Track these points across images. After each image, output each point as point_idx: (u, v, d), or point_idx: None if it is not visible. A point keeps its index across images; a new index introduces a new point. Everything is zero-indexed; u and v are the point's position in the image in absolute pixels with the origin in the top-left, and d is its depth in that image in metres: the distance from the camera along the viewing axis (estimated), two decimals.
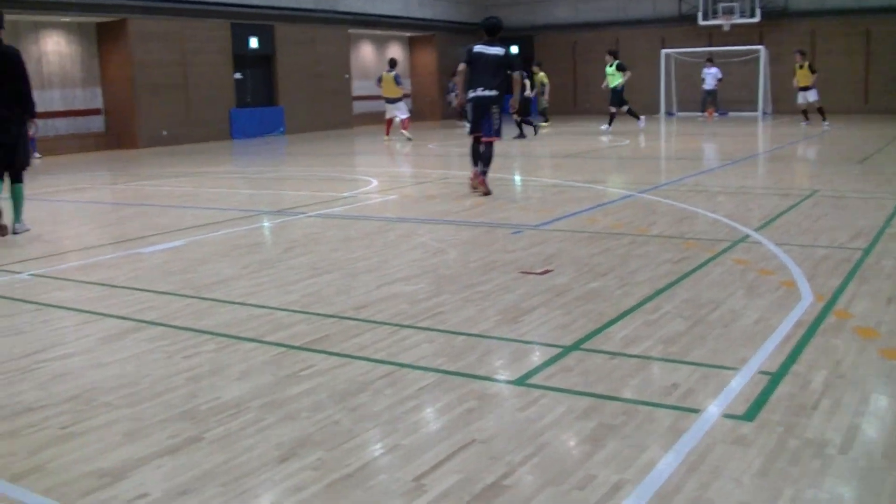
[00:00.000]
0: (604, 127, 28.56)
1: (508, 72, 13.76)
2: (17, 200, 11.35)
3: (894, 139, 23.17)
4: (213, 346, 6.05)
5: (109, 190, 17.45)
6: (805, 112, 29.87)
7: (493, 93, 13.52)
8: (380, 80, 27.44)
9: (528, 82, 27.96)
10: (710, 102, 35.32)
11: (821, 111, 29.51)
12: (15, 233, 11.28)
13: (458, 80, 14.38)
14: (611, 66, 28.51)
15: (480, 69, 13.56)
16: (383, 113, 29.19)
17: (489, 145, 13.72)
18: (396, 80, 27.31)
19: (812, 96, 29.24)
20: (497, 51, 13.61)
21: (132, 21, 28.13)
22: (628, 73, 28.49)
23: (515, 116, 25.40)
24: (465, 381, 5.16)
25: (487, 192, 13.64)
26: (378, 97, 29.72)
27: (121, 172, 20.98)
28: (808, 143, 22.74)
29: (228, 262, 9.01)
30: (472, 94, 13.65)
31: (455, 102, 27.86)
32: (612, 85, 28.40)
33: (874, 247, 8.78)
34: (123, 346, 6.17)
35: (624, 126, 30.20)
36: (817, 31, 37.23)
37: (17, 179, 11.32)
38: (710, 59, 35.59)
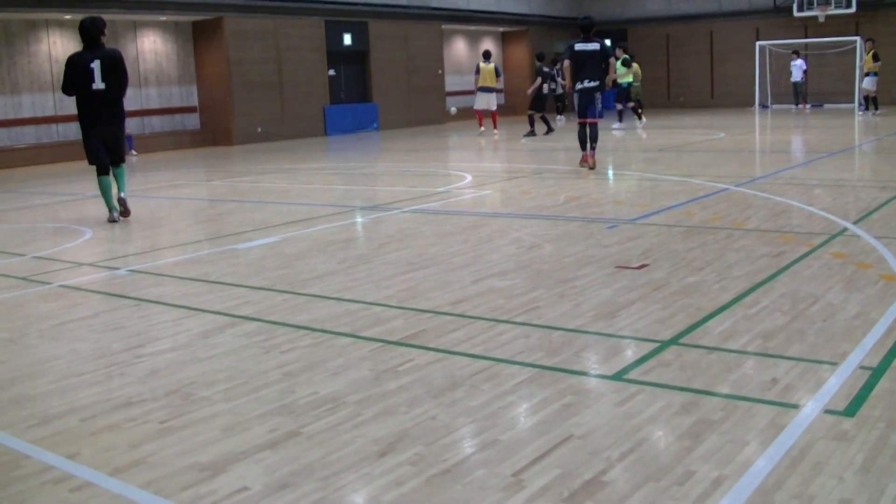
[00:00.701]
0: (639, 123, 28.29)
1: (603, 65, 16.46)
2: (119, 179, 12.33)
3: None
4: (310, 342, 6.10)
5: (205, 186, 17.68)
6: (873, 99, 30.62)
7: (595, 83, 16.32)
8: (477, 70, 27.36)
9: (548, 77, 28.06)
10: (802, 95, 34.98)
11: (866, 100, 30.65)
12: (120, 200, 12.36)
13: (566, 74, 16.75)
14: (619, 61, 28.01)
15: (582, 64, 16.29)
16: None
17: (594, 126, 16.52)
18: (497, 71, 27.34)
19: (867, 84, 30.22)
20: (594, 46, 16.33)
21: (228, 19, 28.45)
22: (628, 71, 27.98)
23: (529, 111, 26.48)
24: (562, 376, 5.14)
25: (593, 167, 16.34)
26: (471, 92, 29.84)
27: (216, 169, 21.24)
28: None
29: (324, 258, 9.08)
30: (578, 86, 16.41)
31: (562, 90, 28.76)
32: (621, 81, 27.80)
33: None
34: (221, 341, 6.24)
35: (719, 119, 29.86)
36: None
37: (118, 164, 12.32)
38: (797, 52, 35.19)
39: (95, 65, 11.83)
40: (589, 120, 16.43)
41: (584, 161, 16.57)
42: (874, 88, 30.34)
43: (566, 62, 16.62)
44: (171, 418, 4.77)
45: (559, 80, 29.99)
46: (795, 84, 34.77)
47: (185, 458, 4.25)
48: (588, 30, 16.51)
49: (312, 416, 4.68)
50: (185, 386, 5.28)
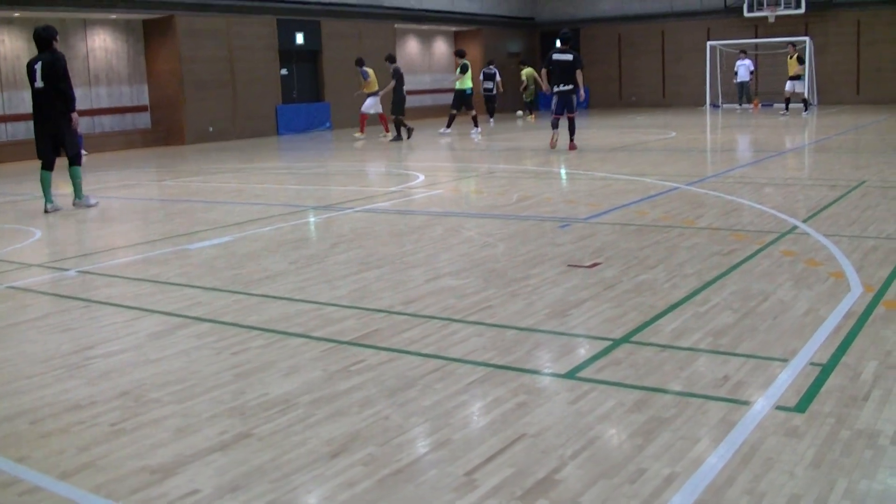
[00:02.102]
0: (442, 130, 27.87)
1: (577, 71, 19.65)
2: (73, 180, 13.47)
3: None
4: (262, 342, 6.07)
5: (157, 186, 17.56)
6: (787, 100, 31.02)
7: (570, 87, 19.76)
8: (367, 75, 27.12)
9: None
10: (746, 94, 35.37)
11: (804, 102, 31.08)
12: (84, 206, 13.45)
13: (544, 79, 20.53)
14: (458, 68, 27.69)
15: (559, 71, 19.76)
16: (430, 108, 29.38)
17: (572, 119, 20.21)
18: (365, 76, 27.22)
19: (799, 87, 30.65)
20: (568, 57, 19.77)
21: (179, 18, 28.25)
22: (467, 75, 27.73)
23: (391, 116, 26.10)
24: (514, 375, 5.15)
25: (574, 148, 20.20)
26: (423, 91, 29.75)
27: (168, 169, 21.09)
28: (855, 134, 22.53)
29: (276, 258, 9.04)
30: (556, 90, 19.90)
31: (495, 91, 30.71)
32: (460, 87, 27.51)
33: None
34: (172, 342, 6.20)
35: (654, 119, 30.02)
36: (863, 22, 36.99)
37: (72, 163, 13.28)
38: (744, 52, 35.69)
39: (38, 66, 12.95)
40: (568, 115, 20.04)
41: (553, 143, 20.36)
42: (802, 90, 30.97)
43: (544, 70, 20.33)
44: (122, 420, 4.72)
45: (498, 81, 30.56)
46: (742, 83, 35.09)
47: (135, 460, 4.21)
48: (565, 42, 20.23)
49: (264, 418, 4.66)
50: (135, 388, 5.23)
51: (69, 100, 12.93)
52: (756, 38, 38.23)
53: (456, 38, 42.54)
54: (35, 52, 13.33)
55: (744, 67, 34.93)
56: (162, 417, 4.74)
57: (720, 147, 21.53)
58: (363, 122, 27.90)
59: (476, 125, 27.75)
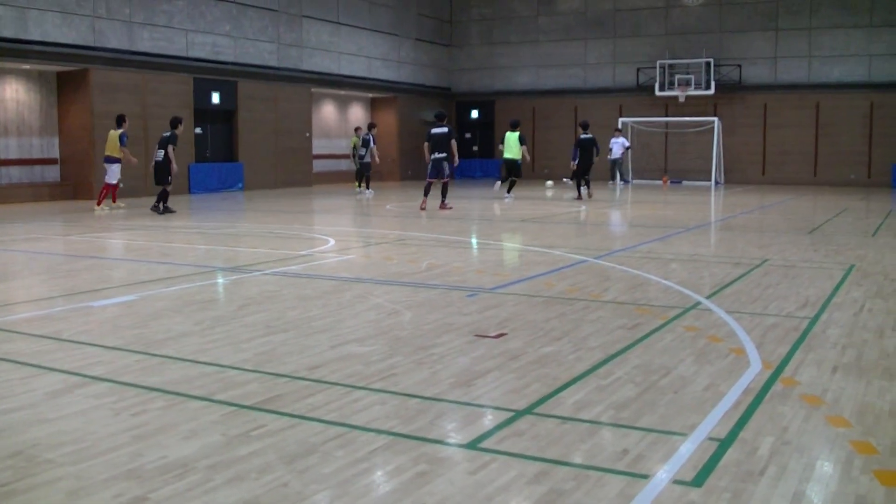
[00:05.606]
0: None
1: (451, 141, 23.87)
2: None
3: (843, 210, 23.63)
4: (162, 404, 5.98)
5: (62, 241, 17.30)
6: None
7: (444, 155, 23.77)
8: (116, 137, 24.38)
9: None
10: (619, 171, 36.10)
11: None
12: None
13: (426, 151, 23.98)
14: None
15: (436, 143, 23.80)
16: (342, 172, 29.19)
17: (446, 184, 24.10)
18: (122, 140, 24.15)
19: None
20: (444, 130, 23.93)
21: (95, 71, 28.01)
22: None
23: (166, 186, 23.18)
24: (416, 444, 5.13)
25: (451, 208, 23.70)
26: (339, 156, 29.62)
27: (75, 224, 20.80)
28: (760, 213, 22.97)
29: (181, 319, 8.94)
30: (433, 157, 23.81)
31: (369, 158, 30.87)
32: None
33: (821, 316, 8.92)
34: (69, 401, 6.08)
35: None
36: (769, 105, 38.10)
37: None
38: (619, 130, 36.65)
39: None
40: (442, 179, 23.82)
41: (422, 206, 23.63)
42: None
43: (426, 143, 23.99)
44: (14, 481, 4.62)
45: (373, 147, 30.71)
46: (614, 161, 35.65)
47: None
48: (441, 118, 24.36)
49: (161, 482, 4.58)
50: (29, 447, 5.12)
51: None
52: (667, 116, 39.07)
53: (372, 104, 42.78)
54: None
55: (618, 145, 35.70)
56: (55, 479, 4.64)
57: (629, 222, 21.81)
58: (113, 192, 24.73)
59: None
